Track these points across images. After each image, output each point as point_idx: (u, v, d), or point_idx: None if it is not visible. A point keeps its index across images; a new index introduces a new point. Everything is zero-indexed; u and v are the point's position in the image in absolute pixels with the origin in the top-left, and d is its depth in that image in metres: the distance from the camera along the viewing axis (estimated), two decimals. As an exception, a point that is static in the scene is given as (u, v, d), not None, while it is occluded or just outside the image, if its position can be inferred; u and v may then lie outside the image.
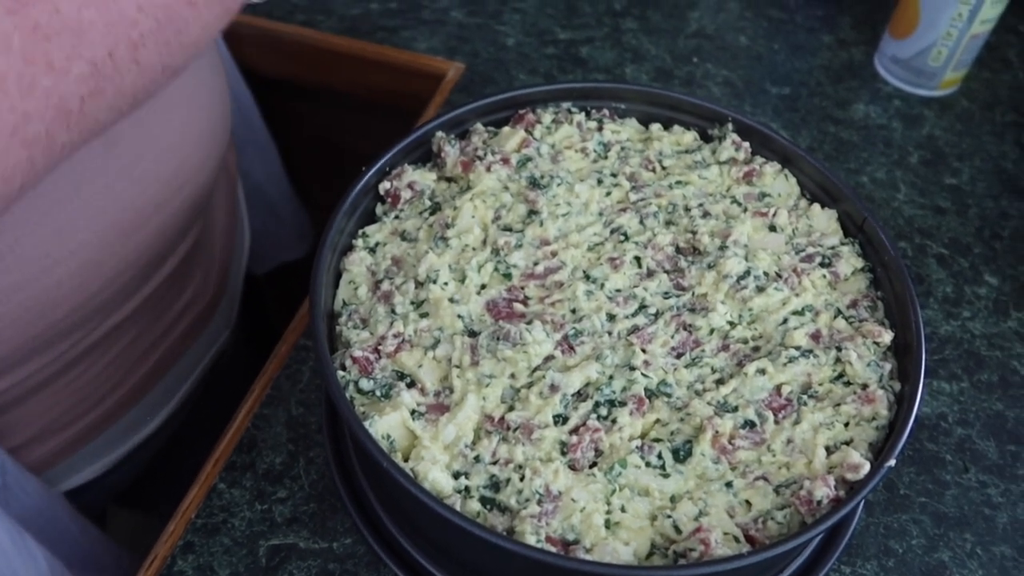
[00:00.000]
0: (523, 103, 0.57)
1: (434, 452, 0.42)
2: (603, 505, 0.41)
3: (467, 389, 0.44)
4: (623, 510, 0.41)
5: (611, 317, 0.47)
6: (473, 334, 0.46)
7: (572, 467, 0.42)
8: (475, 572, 0.44)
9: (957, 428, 0.57)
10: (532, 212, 0.51)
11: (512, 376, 0.45)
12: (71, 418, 0.58)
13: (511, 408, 0.44)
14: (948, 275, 0.66)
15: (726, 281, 0.49)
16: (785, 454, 0.43)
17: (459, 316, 0.46)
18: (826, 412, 0.44)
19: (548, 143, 0.55)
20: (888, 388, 0.45)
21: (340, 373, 0.44)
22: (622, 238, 0.51)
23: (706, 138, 0.58)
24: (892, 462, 0.41)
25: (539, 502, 0.40)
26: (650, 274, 0.50)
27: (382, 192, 0.53)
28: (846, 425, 0.44)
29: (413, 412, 0.43)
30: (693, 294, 0.49)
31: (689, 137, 0.57)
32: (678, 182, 0.54)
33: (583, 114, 0.57)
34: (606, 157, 0.56)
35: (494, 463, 0.42)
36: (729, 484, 0.42)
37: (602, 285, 0.48)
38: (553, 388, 0.44)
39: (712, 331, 0.48)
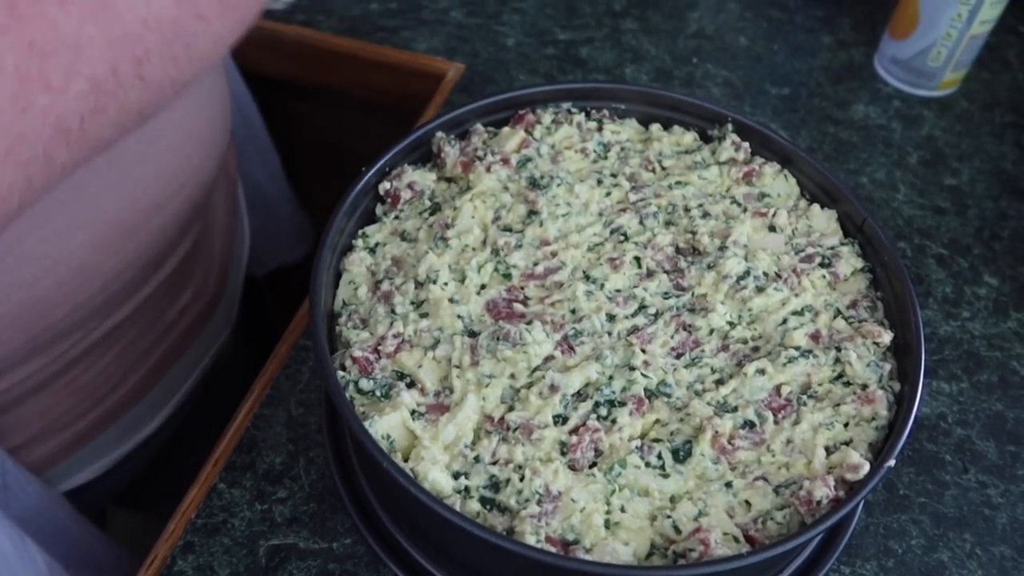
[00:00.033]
0: (523, 103, 0.57)
1: (434, 452, 0.42)
2: (603, 505, 0.41)
3: (467, 389, 0.44)
4: (623, 510, 0.41)
5: (611, 317, 0.47)
6: (473, 334, 0.46)
7: (572, 467, 0.42)
8: (475, 572, 0.44)
9: (957, 428, 0.57)
10: (532, 212, 0.51)
11: (512, 376, 0.45)
12: (71, 418, 0.58)
13: (511, 408, 0.44)
14: (948, 275, 0.66)
15: (726, 281, 0.49)
16: (785, 454, 0.43)
17: (459, 316, 0.47)
18: (826, 412, 0.44)
19: (548, 143, 0.55)
20: (888, 388, 0.45)
21: (340, 373, 0.44)
22: (622, 238, 0.51)
23: (706, 138, 0.58)
24: (892, 462, 0.41)
25: (539, 502, 0.40)
26: (650, 274, 0.50)
27: (382, 192, 0.53)
28: (846, 425, 0.44)
29: (413, 412, 0.43)
30: (693, 294, 0.49)
31: (689, 137, 0.57)
32: (678, 182, 0.54)
33: (583, 114, 0.57)
34: (606, 157, 0.56)
35: (494, 463, 0.42)
36: (729, 484, 0.42)
37: (602, 285, 0.49)
38: (553, 388, 0.44)
39: (712, 331, 0.48)
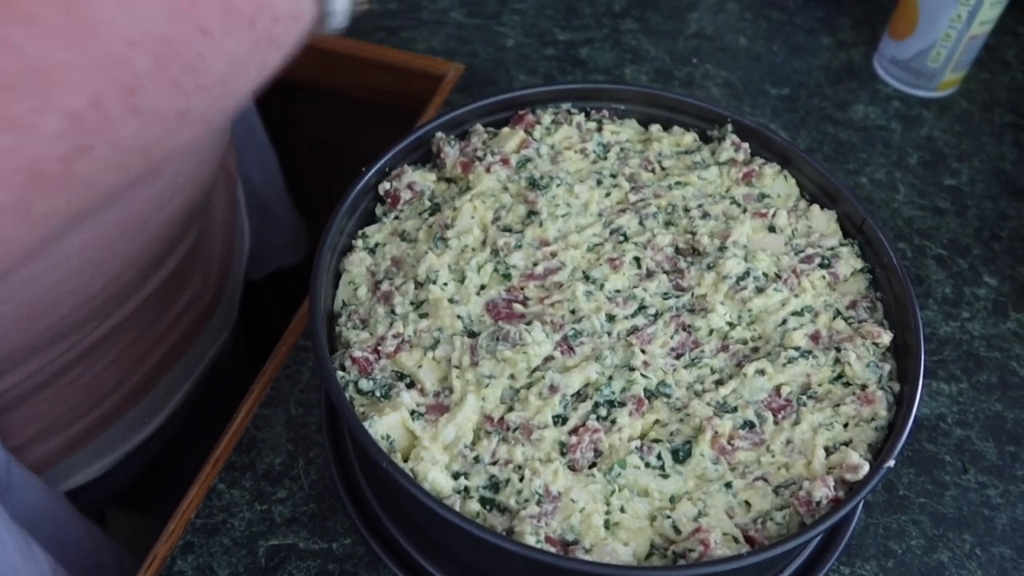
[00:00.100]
0: (523, 104, 0.57)
1: (434, 452, 0.42)
2: (602, 505, 0.41)
3: (467, 389, 0.44)
4: (622, 510, 0.41)
5: (611, 318, 0.47)
6: (473, 334, 0.46)
7: (571, 468, 0.42)
8: (474, 572, 0.44)
9: (956, 429, 0.57)
10: (532, 213, 0.51)
11: (512, 377, 0.45)
12: (71, 418, 0.58)
13: (511, 408, 0.44)
14: (947, 276, 0.66)
15: (725, 282, 0.49)
16: (784, 455, 0.43)
17: (459, 316, 0.47)
18: (825, 413, 0.44)
19: (548, 144, 0.55)
20: (887, 389, 0.45)
21: (340, 373, 0.44)
22: (621, 239, 0.51)
23: (706, 139, 0.58)
24: (891, 463, 0.41)
25: (539, 502, 0.40)
26: (649, 275, 0.50)
27: (382, 193, 0.53)
28: (845, 426, 0.44)
29: (413, 412, 0.43)
30: (692, 295, 0.49)
31: (689, 138, 0.57)
32: (677, 183, 0.54)
33: (583, 115, 0.57)
34: (605, 158, 0.56)
35: (494, 463, 0.42)
36: (728, 485, 0.42)
37: (602, 286, 0.49)
38: (552, 389, 0.44)
39: (711, 332, 0.48)
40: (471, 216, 0.51)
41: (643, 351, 0.46)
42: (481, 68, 0.81)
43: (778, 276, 0.49)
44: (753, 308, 0.48)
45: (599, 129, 0.57)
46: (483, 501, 0.41)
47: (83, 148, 0.30)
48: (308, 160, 0.99)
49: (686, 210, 0.53)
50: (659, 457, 0.43)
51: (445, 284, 0.48)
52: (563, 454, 0.42)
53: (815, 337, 0.47)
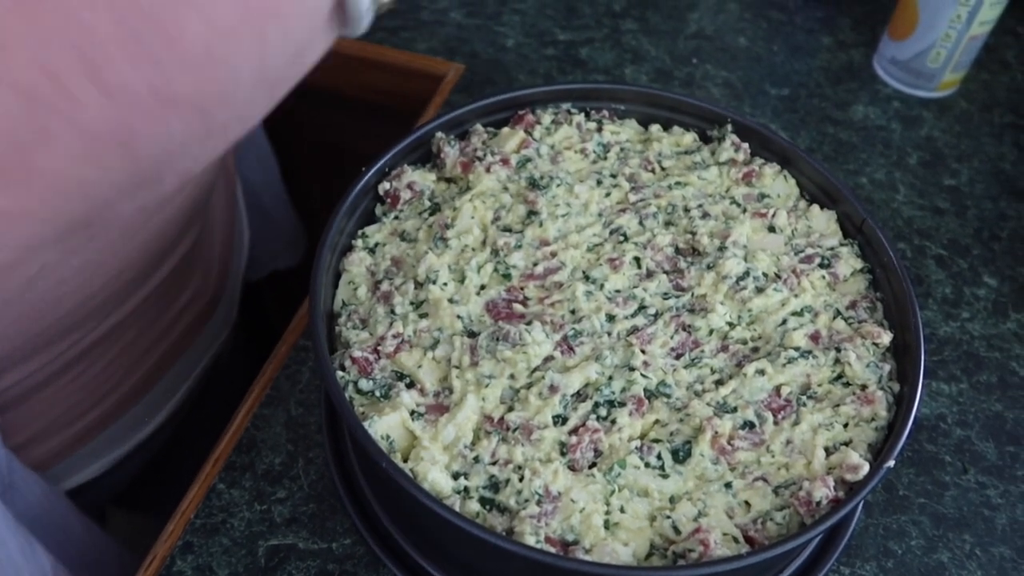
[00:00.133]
0: (523, 104, 0.57)
1: (433, 452, 0.42)
2: (602, 506, 0.41)
3: (467, 389, 0.44)
4: (622, 511, 0.41)
5: (610, 318, 0.47)
6: (473, 334, 0.46)
7: (571, 468, 0.42)
8: (474, 573, 0.44)
9: (956, 429, 0.57)
10: (532, 213, 0.51)
11: (511, 377, 0.45)
12: (71, 417, 0.58)
13: (511, 409, 0.44)
14: (947, 276, 0.66)
15: (725, 282, 0.49)
16: (784, 455, 0.43)
17: (459, 316, 0.47)
18: (825, 413, 0.44)
19: (548, 144, 0.55)
20: (887, 389, 0.45)
21: (339, 373, 0.44)
22: (621, 239, 0.51)
23: (705, 139, 0.58)
24: (891, 463, 0.41)
25: (538, 503, 0.40)
26: (649, 275, 0.50)
27: (382, 193, 0.53)
28: (845, 426, 0.44)
29: (412, 412, 0.43)
30: (692, 295, 0.49)
31: (688, 138, 0.57)
32: (677, 183, 0.54)
33: (583, 115, 0.57)
34: (605, 158, 0.56)
35: (493, 463, 0.42)
36: (728, 485, 0.42)
37: (601, 286, 0.49)
38: (552, 389, 0.44)
39: (711, 332, 0.48)
40: (471, 216, 0.51)
41: (643, 351, 0.46)
42: (481, 68, 0.81)
43: (778, 276, 0.49)
44: (753, 308, 0.48)
45: (599, 129, 0.57)
46: (483, 501, 0.41)
47: (42, 132, 0.26)
48: (308, 160, 0.99)
49: (686, 210, 0.53)
50: (659, 457, 0.43)
51: (445, 284, 0.48)
52: (563, 454, 0.42)
53: (815, 337, 0.47)
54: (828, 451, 0.43)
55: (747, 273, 0.49)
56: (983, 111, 0.79)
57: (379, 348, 0.45)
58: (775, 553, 0.38)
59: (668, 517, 0.41)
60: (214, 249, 0.68)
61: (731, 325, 0.48)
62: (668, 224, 0.52)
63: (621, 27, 0.85)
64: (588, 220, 0.52)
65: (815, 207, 0.54)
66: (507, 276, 0.49)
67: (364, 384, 0.44)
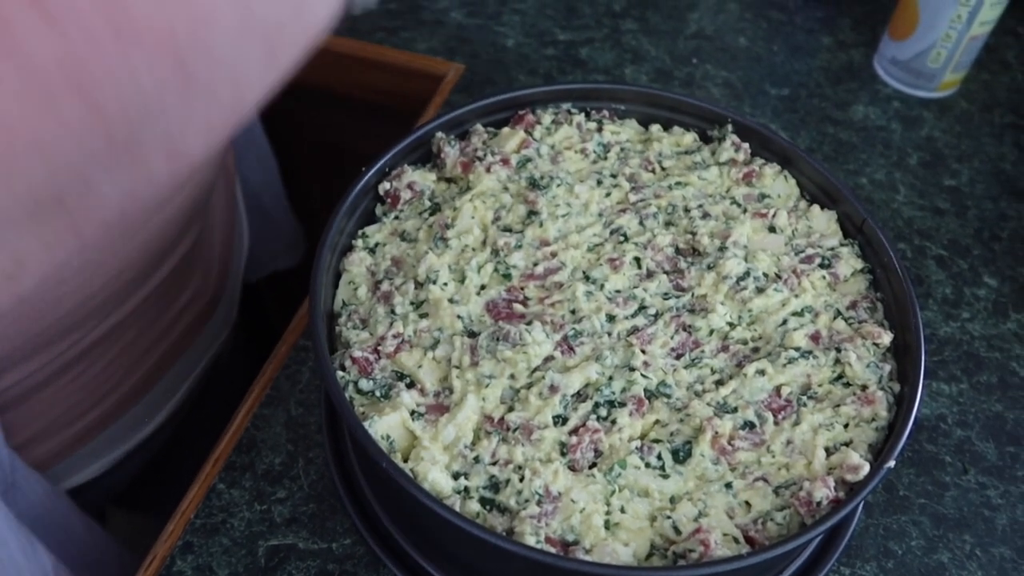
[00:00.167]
0: (523, 104, 0.57)
1: (433, 452, 0.42)
2: (603, 506, 0.41)
3: (467, 389, 0.44)
4: (623, 511, 0.41)
5: (611, 318, 0.47)
6: (473, 335, 0.46)
7: (572, 468, 0.42)
8: (474, 573, 0.44)
9: (956, 429, 0.57)
10: (532, 213, 0.51)
11: (512, 377, 0.45)
12: (71, 417, 0.58)
13: (511, 409, 0.44)
14: (947, 276, 0.66)
15: (726, 282, 0.49)
16: (785, 455, 0.43)
17: (459, 316, 0.46)
18: (826, 413, 0.44)
19: (548, 144, 0.55)
20: (888, 389, 0.45)
21: (340, 373, 0.44)
22: (622, 239, 0.51)
23: (706, 139, 0.58)
24: (891, 463, 0.41)
25: (539, 503, 0.40)
26: (650, 275, 0.50)
27: (382, 193, 0.53)
28: (845, 426, 0.44)
29: (413, 412, 0.43)
30: (693, 295, 0.49)
31: (689, 138, 0.57)
32: (678, 183, 0.54)
33: (583, 115, 0.57)
34: (606, 158, 0.56)
35: (494, 464, 0.42)
36: (729, 485, 0.42)
37: (602, 286, 0.49)
38: (553, 389, 0.44)
39: (712, 332, 0.48)
40: (471, 216, 0.51)
41: (643, 351, 0.46)
42: (481, 68, 0.81)
43: (778, 276, 0.49)
44: (753, 308, 0.48)
45: (599, 129, 0.57)
46: (483, 501, 0.41)
47: None
48: (308, 160, 0.99)
49: (686, 210, 0.53)
50: (659, 457, 0.43)
51: (445, 284, 0.48)
52: (563, 454, 0.42)
53: (815, 337, 0.47)
54: (828, 451, 0.43)
55: (747, 273, 0.49)
56: (983, 111, 0.79)
57: (379, 348, 0.45)
58: (775, 553, 0.38)
59: (668, 517, 0.41)
60: (214, 249, 0.68)
61: (731, 325, 0.48)
62: (668, 224, 0.52)
63: (621, 27, 0.85)
64: (588, 220, 0.52)
65: (815, 207, 0.54)
66: (507, 276, 0.49)
67: (364, 384, 0.44)
